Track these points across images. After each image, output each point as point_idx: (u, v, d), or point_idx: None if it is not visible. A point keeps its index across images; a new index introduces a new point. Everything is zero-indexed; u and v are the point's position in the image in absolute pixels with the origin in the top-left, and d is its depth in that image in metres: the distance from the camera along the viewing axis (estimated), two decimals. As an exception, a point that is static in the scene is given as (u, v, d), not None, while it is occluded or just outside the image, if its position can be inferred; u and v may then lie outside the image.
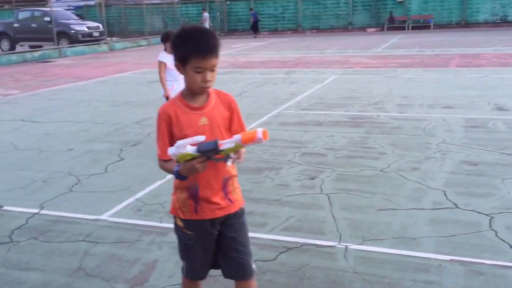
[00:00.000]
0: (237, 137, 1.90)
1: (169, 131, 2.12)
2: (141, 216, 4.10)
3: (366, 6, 31.37)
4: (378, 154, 5.49)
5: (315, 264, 3.20)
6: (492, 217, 3.75)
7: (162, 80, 6.08)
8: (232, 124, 2.19)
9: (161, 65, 6.04)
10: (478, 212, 3.86)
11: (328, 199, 4.27)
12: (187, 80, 2.09)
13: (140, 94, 10.64)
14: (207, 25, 32.00)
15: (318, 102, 8.82)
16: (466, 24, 28.84)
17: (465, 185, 4.47)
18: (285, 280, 3.02)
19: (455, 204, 4.05)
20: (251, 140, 1.87)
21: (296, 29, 32.49)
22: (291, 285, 2.97)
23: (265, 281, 3.00)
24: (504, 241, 3.38)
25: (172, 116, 2.11)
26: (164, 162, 2.14)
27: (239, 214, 2.27)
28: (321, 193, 4.42)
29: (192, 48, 1.99)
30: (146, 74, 14.10)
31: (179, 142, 1.91)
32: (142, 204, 4.37)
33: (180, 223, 2.25)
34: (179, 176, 2.02)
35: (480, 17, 28.68)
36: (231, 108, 2.19)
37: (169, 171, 2.11)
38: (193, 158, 1.92)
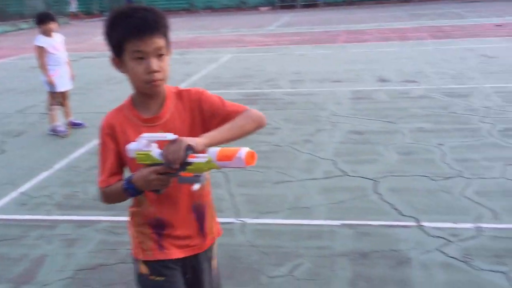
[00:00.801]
0: (211, 151, 1.38)
1: (116, 149, 1.59)
2: (27, 210, 3.83)
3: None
4: (273, 130, 5.61)
5: (213, 241, 3.21)
6: (377, 182, 4.01)
7: (42, 66, 5.68)
8: (212, 122, 1.59)
9: (40, 50, 5.63)
10: (364, 178, 4.11)
11: (225, 177, 4.29)
12: (129, 79, 1.57)
13: (23, 81, 9.87)
14: (74, 6, 30.29)
15: (214, 82, 8.79)
16: (351, 1, 30.27)
17: (352, 154, 4.73)
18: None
19: (344, 172, 4.27)
20: (228, 158, 1.35)
21: (189, 8, 32.00)
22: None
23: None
24: (387, 202, 3.64)
25: (117, 129, 1.58)
26: (107, 188, 1.60)
27: (213, 252, 1.81)
28: (218, 171, 4.43)
29: (125, 27, 1.49)
30: (29, 60, 13.08)
31: (144, 135, 1.46)
32: (28, 197, 4.07)
33: (144, 270, 1.68)
34: (129, 186, 1.50)
35: (363, -6, 30.22)
36: (200, 108, 1.61)
37: (117, 194, 1.57)
38: (154, 164, 1.44)
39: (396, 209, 3.52)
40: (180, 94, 1.62)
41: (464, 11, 19.97)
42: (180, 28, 19.83)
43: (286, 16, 24.91)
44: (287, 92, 7.60)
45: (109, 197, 1.62)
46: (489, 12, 18.63)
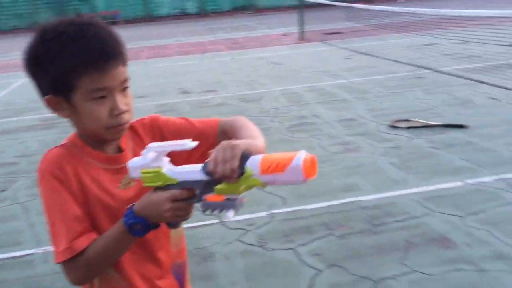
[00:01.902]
0: (251, 161, 0.94)
1: (73, 195, 1.12)
2: None
3: (49, 4, 29.90)
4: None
5: (13, 277, 3.01)
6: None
7: None
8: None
9: None
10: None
11: (24, 207, 4.02)
12: (81, 124, 1.15)
13: None
14: None
15: (6, 109, 8.08)
16: (151, 18, 30.56)
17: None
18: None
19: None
20: (279, 169, 0.90)
21: (-29, 32, 28.62)
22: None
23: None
24: (192, 205, 3.83)
25: (69, 172, 1.13)
26: (90, 249, 1.09)
27: None
28: (15, 203, 4.13)
29: (77, 55, 1.07)
30: None
31: (152, 145, 1.05)
32: None
33: None
34: (136, 219, 1.05)
35: (163, 10, 30.77)
36: (162, 135, 1.26)
37: (113, 245, 1.10)
38: (168, 185, 1.04)
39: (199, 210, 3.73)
40: (131, 127, 1.24)
41: (255, 24, 21.75)
42: (-39, 54, 17.62)
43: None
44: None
45: (97, 261, 1.09)
46: (277, 23, 20.64)
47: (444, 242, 3.04)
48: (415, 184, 3.90)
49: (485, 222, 3.22)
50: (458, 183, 3.83)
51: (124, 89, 1.14)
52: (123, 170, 1.14)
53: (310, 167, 0.89)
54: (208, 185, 0.99)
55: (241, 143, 0.97)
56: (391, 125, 5.43)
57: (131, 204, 1.08)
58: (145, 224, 1.05)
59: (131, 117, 1.18)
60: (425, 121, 5.37)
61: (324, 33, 15.00)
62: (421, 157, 4.46)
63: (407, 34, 12.29)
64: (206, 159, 0.99)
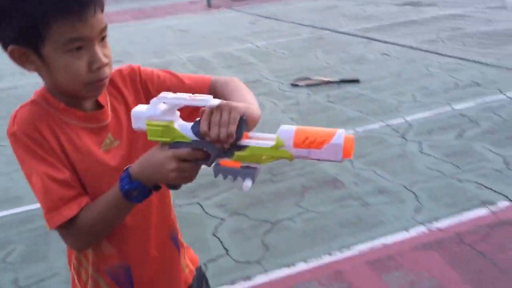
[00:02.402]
0: (284, 130, 0.85)
1: (56, 158, 0.98)
2: None
3: None
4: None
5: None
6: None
7: None
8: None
9: None
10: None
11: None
12: (53, 79, 0.98)
13: None
14: None
15: None
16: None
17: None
18: None
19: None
20: (317, 145, 0.83)
21: None
22: None
23: None
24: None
25: (48, 135, 0.98)
26: (83, 214, 0.98)
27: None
28: None
29: (54, 1, 0.89)
30: None
31: (163, 95, 0.89)
32: None
33: None
34: (132, 185, 0.93)
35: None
36: (146, 89, 1.12)
37: (109, 210, 0.98)
38: (176, 143, 0.91)
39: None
40: (113, 77, 1.08)
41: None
42: None
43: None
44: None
45: (95, 228, 0.98)
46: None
47: (335, 183, 3.34)
48: (312, 135, 4.19)
49: (370, 163, 3.57)
50: (350, 131, 4.17)
51: (103, 38, 0.98)
52: (105, 129, 1.02)
53: (350, 146, 0.82)
54: (226, 149, 0.87)
55: (240, 106, 0.87)
56: (292, 83, 5.70)
57: (127, 166, 0.95)
58: (144, 189, 0.93)
59: (111, 71, 1.02)
60: (323, 78, 5.69)
61: (232, 0, 15.03)
62: (319, 111, 4.77)
63: (311, -3, 12.66)
64: (191, 120, 0.90)
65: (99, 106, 1.05)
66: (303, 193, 3.27)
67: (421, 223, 2.77)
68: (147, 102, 0.92)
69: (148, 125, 0.90)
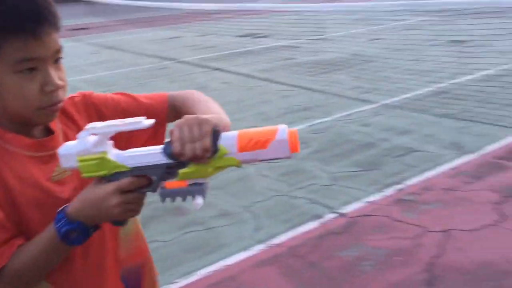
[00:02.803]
0: (226, 137, 0.82)
1: None
2: None
3: None
4: None
5: None
6: None
7: None
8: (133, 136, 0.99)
9: None
10: None
11: None
12: (3, 102, 0.88)
13: None
14: None
15: None
16: None
17: None
18: None
19: None
20: (261, 145, 0.80)
21: None
22: None
23: None
24: None
25: None
26: (13, 263, 0.86)
27: None
28: None
29: (1, 15, 0.83)
30: None
31: (91, 125, 0.82)
32: None
33: None
34: (72, 225, 0.84)
35: None
36: (100, 114, 1.03)
37: (43, 255, 0.86)
38: (115, 174, 0.83)
39: None
40: (66, 106, 1.00)
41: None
42: None
43: None
44: None
45: (27, 273, 0.87)
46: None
47: (178, 210, 3.37)
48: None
49: (212, 187, 3.67)
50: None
51: (57, 60, 0.92)
52: (55, 157, 0.90)
53: (295, 140, 0.80)
54: (169, 169, 0.83)
55: (209, 118, 0.82)
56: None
57: (63, 206, 0.87)
58: (84, 229, 0.85)
59: (65, 95, 0.95)
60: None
61: (70, 29, 14.42)
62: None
63: (153, 28, 12.75)
64: (154, 142, 0.85)
65: (49, 132, 0.97)
66: (147, 223, 3.24)
67: (260, 241, 2.93)
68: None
69: (80, 161, 0.83)
